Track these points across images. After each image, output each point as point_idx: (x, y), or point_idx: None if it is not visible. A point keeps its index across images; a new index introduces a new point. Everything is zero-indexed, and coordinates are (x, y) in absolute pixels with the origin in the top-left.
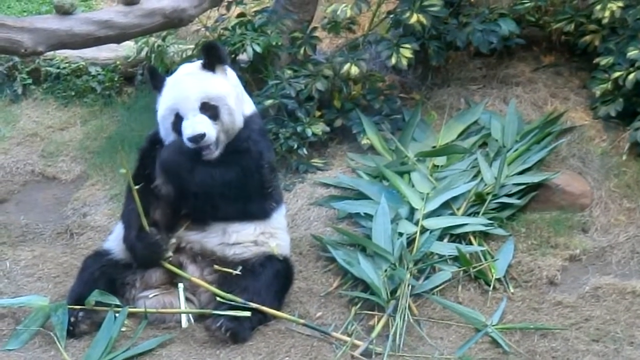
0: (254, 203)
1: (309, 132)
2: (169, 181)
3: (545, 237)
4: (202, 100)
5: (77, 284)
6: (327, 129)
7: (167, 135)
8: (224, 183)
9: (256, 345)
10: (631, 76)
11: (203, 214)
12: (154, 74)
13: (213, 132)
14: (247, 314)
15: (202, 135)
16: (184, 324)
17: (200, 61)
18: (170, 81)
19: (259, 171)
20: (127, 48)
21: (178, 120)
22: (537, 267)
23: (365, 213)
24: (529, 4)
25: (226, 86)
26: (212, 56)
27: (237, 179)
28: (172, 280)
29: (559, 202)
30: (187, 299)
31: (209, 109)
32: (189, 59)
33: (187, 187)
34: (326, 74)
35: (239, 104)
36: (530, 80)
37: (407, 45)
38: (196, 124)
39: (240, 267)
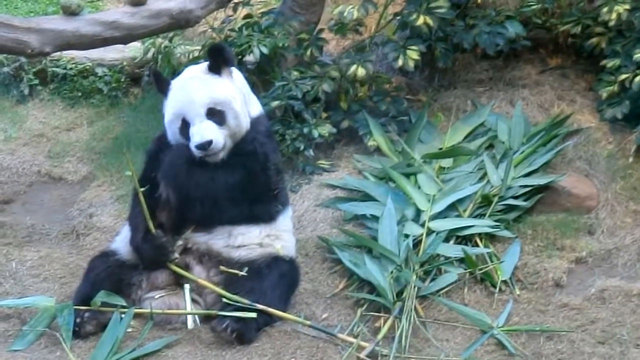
0: (260, 205)
1: (315, 133)
2: (173, 188)
3: (552, 239)
4: (208, 106)
5: (83, 285)
6: (334, 130)
7: (174, 139)
8: (229, 186)
9: (262, 347)
10: (637, 78)
11: (209, 218)
12: (159, 78)
13: (220, 138)
14: (253, 315)
15: (210, 142)
16: (190, 325)
17: (206, 63)
18: (175, 85)
19: (264, 173)
20: (134, 49)
21: (185, 125)
22: (543, 269)
23: (371, 215)
24: (535, 6)
25: (232, 90)
26: (218, 58)
27: (242, 182)
28: (178, 282)
29: (565, 205)
30: (193, 300)
31: (216, 115)
32: (195, 60)
33: (190, 193)
34: (333, 76)
35: (245, 107)
36: (537, 82)
37: (414, 47)
38: (203, 131)
39: (246, 269)
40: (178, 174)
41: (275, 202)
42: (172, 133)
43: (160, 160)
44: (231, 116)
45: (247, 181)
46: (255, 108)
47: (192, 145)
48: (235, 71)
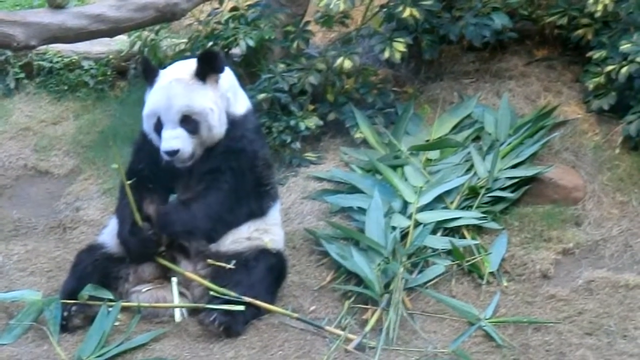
0: (251, 202)
1: (302, 126)
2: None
3: (539, 231)
4: (184, 113)
5: (70, 279)
6: (321, 122)
7: (149, 131)
8: (222, 193)
9: (249, 340)
10: (624, 70)
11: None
12: (148, 66)
13: (188, 148)
14: (241, 308)
15: (176, 152)
16: (178, 318)
17: (194, 65)
18: (161, 79)
19: (253, 171)
20: (120, 42)
21: (159, 124)
22: (531, 261)
23: (358, 207)
24: None
25: (212, 101)
26: (206, 66)
27: (232, 187)
28: (165, 275)
29: (552, 196)
30: (180, 293)
31: (190, 123)
32: (182, 53)
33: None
34: (319, 68)
35: (222, 117)
36: (523, 74)
37: (400, 39)
38: (172, 140)
39: (233, 261)
40: (181, 224)
41: (266, 198)
42: (148, 126)
43: (148, 151)
44: (204, 127)
45: (236, 184)
46: (243, 105)
47: (161, 149)
48: (224, 75)
